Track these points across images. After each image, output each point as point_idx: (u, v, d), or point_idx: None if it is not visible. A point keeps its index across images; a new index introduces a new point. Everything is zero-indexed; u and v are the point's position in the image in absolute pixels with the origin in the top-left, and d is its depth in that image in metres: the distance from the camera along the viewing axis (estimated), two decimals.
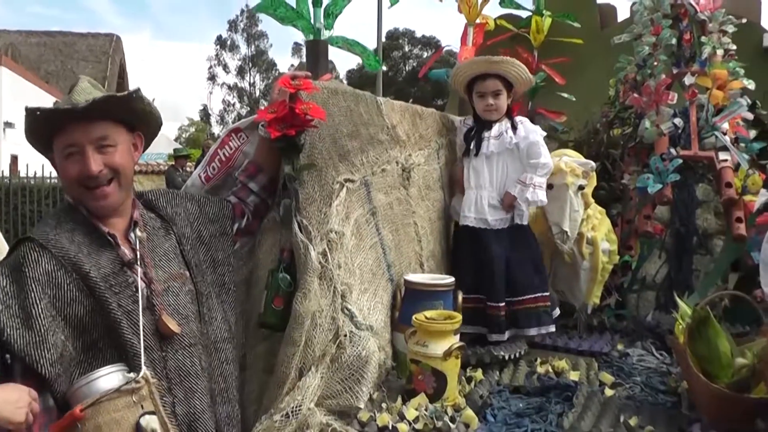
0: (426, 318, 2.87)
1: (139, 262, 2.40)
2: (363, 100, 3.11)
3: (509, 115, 3.82)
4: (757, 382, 2.79)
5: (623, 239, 4.52)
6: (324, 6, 3.60)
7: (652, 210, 4.45)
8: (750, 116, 4.61)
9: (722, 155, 4.44)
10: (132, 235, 2.46)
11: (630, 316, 4.45)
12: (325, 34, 3.57)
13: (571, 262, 3.99)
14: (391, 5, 3.86)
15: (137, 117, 2.49)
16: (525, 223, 3.73)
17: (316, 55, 3.53)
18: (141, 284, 2.38)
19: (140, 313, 2.32)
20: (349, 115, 3.00)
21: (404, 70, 49.94)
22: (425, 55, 46.94)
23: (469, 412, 2.71)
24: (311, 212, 2.78)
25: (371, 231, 3.08)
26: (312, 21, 3.57)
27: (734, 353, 2.80)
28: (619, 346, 3.90)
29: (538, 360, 3.49)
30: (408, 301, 3.14)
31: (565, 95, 6.19)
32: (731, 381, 2.59)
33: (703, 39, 4.64)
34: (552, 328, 3.71)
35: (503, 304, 3.61)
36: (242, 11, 60.02)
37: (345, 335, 2.74)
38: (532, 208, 3.86)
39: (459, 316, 2.92)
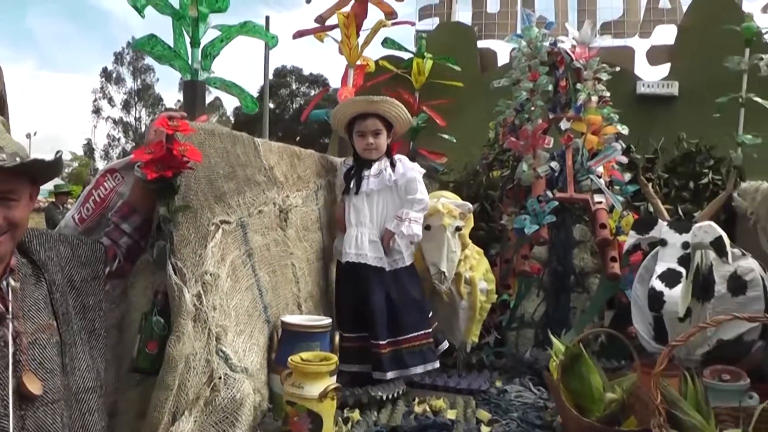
0: (302, 359, 2.85)
1: (10, 315, 2.29)
2: (240, 141, 3.09)
3: (389, 154, 3.87)
4: (626, 416, 2.89)
5: (502, 278, 4.62)
6: (202, 47, 3.58)
7: (529, 250, 4.57)
8: (624, 160, 4.83)
9: (597, 197, 4.61)
10: (4, 284, 2.35)
11: (509, 354, 4.55)
12: (203, 74, 3.54)
13: (449, 301, 4.05)
14: (272, 47, 3.86)
15: (46, 174, 2.41)
16: (408, 263, 3.78)
17: (193, 96, 3.50)
18: (10, 339, 2.27)
19: (9, 373, 2.20)
20: (226, 156, 2.97)
21: (291, 107, 49.90)
22: (313, 93, 47.08)
23: None
24: (186, 254, 2.73)
25: (247, 272, 3.05)
26: (189, 61, 3.54)
27: (606, 388, 2.89)
28: (498, 383, 3.97)
29: (416, 399, 3.50)
30: (284, 343, 3.12)
31: (446, 136, 6.31)
32: (602, 415, 2.67)
33: (579, 86, 4.84)
34: (437, 364, 3.77)
35: (385, 342, 3.64)
36: (128, 44, 59.01)
37: (219, 378, 2.69)
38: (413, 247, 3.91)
39: (335, 358, 2.91)
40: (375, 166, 3.81)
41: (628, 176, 4.80)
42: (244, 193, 3.08)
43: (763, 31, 5.64)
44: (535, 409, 3.45)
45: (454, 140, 6.30)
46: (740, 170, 5.32)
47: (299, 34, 5.37)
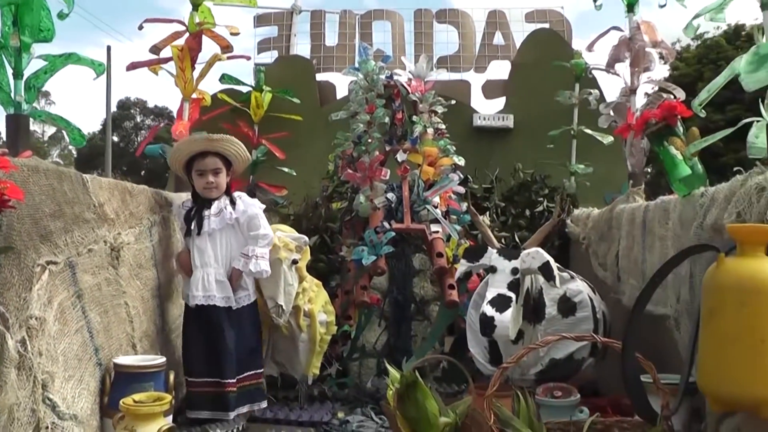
0: (134, 401, 2.76)
1: None
2: (67, 178, 2.98)
3: (228, 192, 3.83)
4: None
5: (343, 310, 4.66)
6: (25, 79, 3.42)
7: (368, 281, 4.63)
8: (462, 190, 4.99)
9: (434, 227, 4.75)
10: None
11: (352, 384, 4.57)
12: (26, 107, 3.39)
13: (289, 334, 4.04)
14: (98, 75, 3.74)
15: None
16: (252, 300, 3.75)
17: (15, 130, 3.34)
18: None
19: None
20: (52, 193, 2.85)
21: (136, 140, 48.50)
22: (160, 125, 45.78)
23: None
24: (9, 298, 2.59)
25: (77, 314, 2.93)
26: (12, 94, 3.38)
27: (442, 413, 2.95)
28: (340, 414, 3.98)
29: None
30: (117, 385, 3.01)
31: (286, 169, 6.32)
32: None
33: (415, 118, 4.99)
34: (264, 404, 3.73)
35: (235, 380, 3.59)
36: None
37: (47, 427, 2.57)
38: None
39: (168, 397, 2.84)
40: (215, 205, 3.76)
41: (465, 206, 4.97)
42: (73, 232, 2.96)
43: (591, 67, 6.01)
44: None
45: (294, 173, 6.31)
46: (573, 198, 5.63)
47: (133, 66, 5.25)
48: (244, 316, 3.71)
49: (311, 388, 4.32)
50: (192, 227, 3.71)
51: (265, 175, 6.33)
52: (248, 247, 3.69)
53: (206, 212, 3.72)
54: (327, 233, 5.08)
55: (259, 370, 3.73)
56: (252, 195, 5.44)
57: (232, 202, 3.76)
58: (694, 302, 2.87)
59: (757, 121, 2.89)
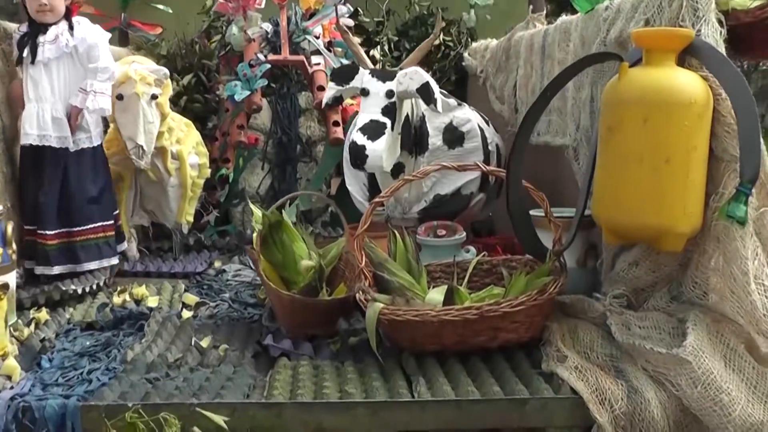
0: None
1: None
2: None
3: (68, 16, 3.29)
4: (337, 284, 2.67)
5: (220, 152, 4.28)
6: None
7: (246, 120, 4.24)
8: (351, 23, 4.52)
9: (315, 59, 4.33)
10: None
11: (234, 232, 4.24)
12: None
13: (157, 179, 3.63)
14: None
15: None
16: (96, 143, 3.29)
17: None
18: None
19: None
20: None
21: None
22: None
23: (10, 363, 2.25)
24: None
25: None
26: None
27: (312, 256, 2.64)
28: (217, 264, 3.66)
29: (118, 289, 3.10)
30: None
31: (161, 7, 5.69)
32: (301, 286, 2.41)
33: None
34: (114, 260, 3.34)
35: (53, 233, 3.17)
36: None
37: None
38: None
39: None
40: (51, 31, 3.21)
41: (358, 39, 4.52)
42: None
43: None
44: (251, 288, 3.17)
45: (170, 10, 5.70)
46: (472, 31, 5.23)
47: None
48: (85, 161, 3.25)
49: (187, 238, 3.96)
50: (25, 54, 3.19)
51: (138, 13, 5.69)
52: (87, 81, 3.19)
53: (41, 38, 3.18)
54: (203, 71, 4.60)
55: (106, 223, 3.31)
56: (124, 35, 4.96)
57: (71, 28, 3.23)
58: (593, 128, 2.58)
59: None
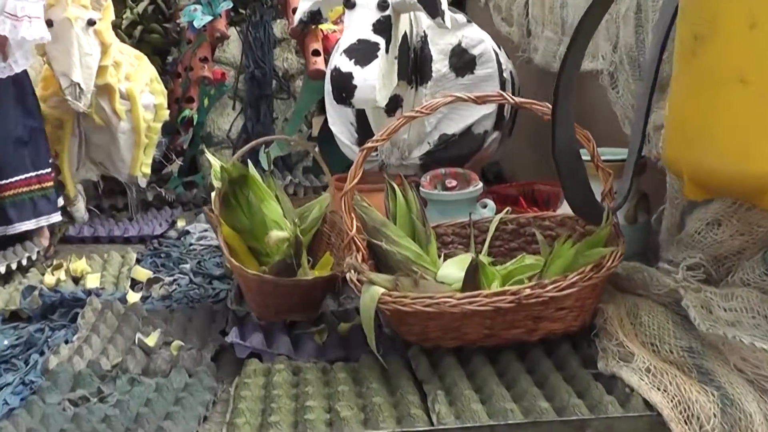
0: None
1: None
2: None
3: None
4: (322, 252, 2.12)
5: (183, 91, 3.69)
6: None
7: (210, 52, 3.63)
8: None
9: None
10: None
11: (203, 183, 3.65)
12: None
13: (104, 124, 3.04)
14: None
15: None
16: (14, 72, 2.67)
17: None
18: None
19: None
20: None
21: None
22: None
23: None
24: None
25: None
26: None
27: (289, 220, 2.07)
28: (180, 223, 3.10)
29: (53, 264, 2.53)
30: None
31: None
32: (272, 263, 1.84)
33: None
34: (55, 217, 2.77)
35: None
36: None
37: None
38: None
39: None
40: None
41: None
42: None
43: None
44: (219, 253, 2.60)
45: None
46: None
47: None
48: (9, 99, 2.66)
49: (145, 193, 3.37)
50: None
51: None
52: (14, 3, 2.57)
53: None
54: None
55: (42, 172, 2.73)
56: None
57: None
58: (639, 48, 2.00)
59: None
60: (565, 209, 2.06)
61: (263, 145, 3.43)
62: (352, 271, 1.65)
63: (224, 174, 1.98)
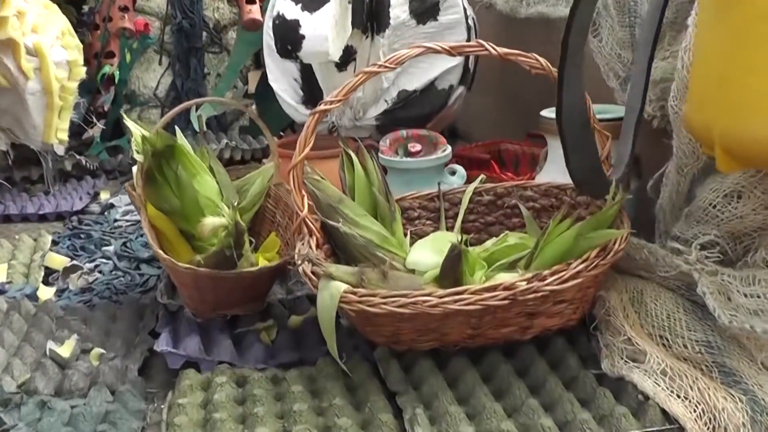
0: None
1: None
2: None
3: None
4: (266, 233, 1.83)
5: (102, 45, 3.31)
6: None
7: (131, 0, 3.25)
8: None
9: None
10: None
11: (129, 148, 3.28)
12: None
13: (8, 85, 2.66)
14: None
15: None
16: None
17: None
18: None
19: None
20: None
21: None
22: None
23: None
24: None
25: None
26: None
27: (225, 201, 1.76)
28: (103, 196, 2.76)
29: None
30: None
31: None
32: (207, 254, 1.54)
33: None
34: None
35: None
36: None
37: None
38: None
39: None
40: None
41: None
42: None
43: None
44: None
45: None
46: None
47: None
48: None
49: (62, 162, 3.01)
50: None
51: None
52: None
53: None
54: None
55: None
56: None
57: None
58: None
59: None
60: (546, 175, 1.81)
61: (194, 108, 3.11)
62: (307, 263, 1.36)
63: (146, 145, 1.66)
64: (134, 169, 1.74)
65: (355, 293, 1.28)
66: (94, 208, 2.65)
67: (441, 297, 1.23)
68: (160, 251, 1.55)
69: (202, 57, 3.44)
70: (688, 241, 1.45)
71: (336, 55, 1.82)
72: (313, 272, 1.36)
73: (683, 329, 1.36)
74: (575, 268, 1.24)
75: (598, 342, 1.38)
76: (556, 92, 1.20)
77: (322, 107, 1.45)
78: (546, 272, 1.24)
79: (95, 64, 3.31)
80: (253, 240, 1.74)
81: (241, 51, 3.32)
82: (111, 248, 2.19)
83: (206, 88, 3.40)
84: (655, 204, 1.65)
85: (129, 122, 1.80)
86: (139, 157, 1.69)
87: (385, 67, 1.43)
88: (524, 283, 1.22)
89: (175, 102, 3.35)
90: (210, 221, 1.52)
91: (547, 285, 1.22)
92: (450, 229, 1.70)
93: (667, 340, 1.36)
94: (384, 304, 1.24)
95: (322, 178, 1.55)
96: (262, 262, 1.68)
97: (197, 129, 3.11)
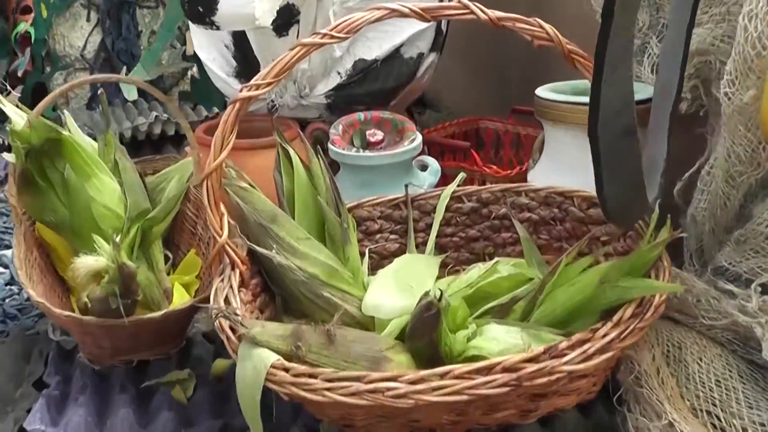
0: None
1: None
2: None
3: None
4: (172, 248, 1.44)
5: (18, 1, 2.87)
6: None
7: None
8: None
9: None
10: None
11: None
12: None
13: None
14: None
15: None
16: None
17: None
18: None
19: None
20: None
21: None
22: None
23: None
24: None
25: None
26: None
27: (133, 200, 1.36)
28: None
29: None
30: None
31: None
32: (92, 299, 1.13)
33: None
34: None
35: None
36: None
37: None
38: None
39: None
40: None
41: None
42: None
43: None
44: None
45: None
46: None
47: None
48: None
49: None
50: None
51: None
52: None
53: None
54: None
55: None
56: None
57: None
58: None
59: None
60: (541, 172, 1.42)
61: (124, 72, 2.68)
62: (223, 319, 0.97)
63: (24, 137, 1.25)
64: (8, 170, 1.33)
65: (287, 369, 0.89)
66: (2, 196, 2.23)
67: (411, 383, 0.84)
68: (32, 292, 1.14)
69: (134, 12, 2.99)
70: (741, 276, 1.08)
71: (266, 19, 1.39)
72: (231, 329, 0.96)
73: (741, 406, 0.99)
74: (605, 337, 0.86)
75: (626, 420, 1.01)
76: (590, 86, 0.80)
77: (245, 93, 1.04)
78: (563, 345, 0.85)
79: (11, 22, 2.87)
80: (170, 256, 1.35)
81: (178, 5, 2.87)
82: (9, 252, 1.78)
83: (140, 48, 2.96)
84: (681, 212, 1.28)
85: (6, 105, 1.38)
86: (10, 157, 1.28)
87: (333, 36, 1.03)
88: (532, 364, 0.84)
89: (105, 64, 2.94)
90: (83, 263, 1.09)
91: (565, 365, 0.84)
92: (421, 245, 1.32)
93: (718, 419, 0.99)
94: (327, 390, 0.86)
95: (252, 186, 1.15)
96: (178, 290, 1.29)
97: (128, 98, 2.69)
